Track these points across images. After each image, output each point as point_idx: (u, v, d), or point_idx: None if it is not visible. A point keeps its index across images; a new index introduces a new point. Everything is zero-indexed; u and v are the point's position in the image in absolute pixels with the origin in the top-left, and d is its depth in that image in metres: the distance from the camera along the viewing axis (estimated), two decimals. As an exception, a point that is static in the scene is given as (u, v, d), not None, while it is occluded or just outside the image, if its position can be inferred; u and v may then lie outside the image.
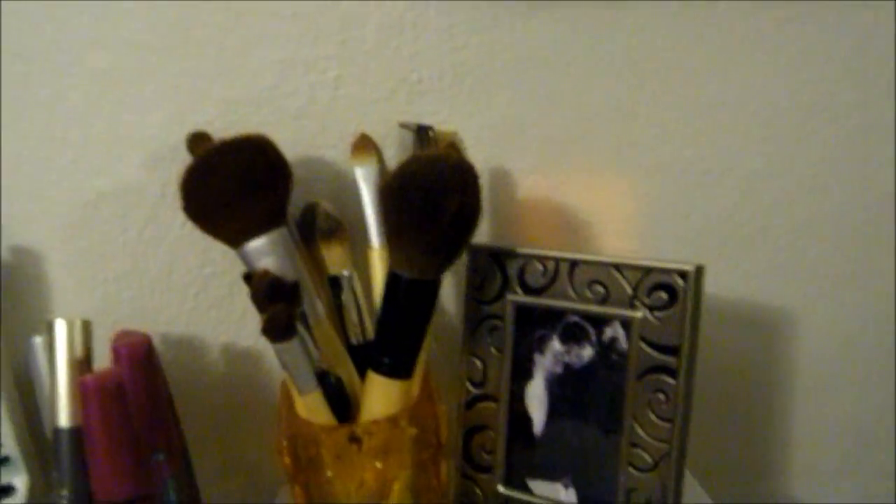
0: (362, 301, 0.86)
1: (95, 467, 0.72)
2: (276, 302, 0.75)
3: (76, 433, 0.77)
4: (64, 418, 0.78)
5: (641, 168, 0.95)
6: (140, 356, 0.77)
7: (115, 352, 0.77)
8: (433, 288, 0.77)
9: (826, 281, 1.02)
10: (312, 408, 0.79)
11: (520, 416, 0.82)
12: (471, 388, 0.84)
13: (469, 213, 0.75)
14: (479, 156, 0.89)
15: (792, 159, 0.97)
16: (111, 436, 0.70)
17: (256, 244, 0.79)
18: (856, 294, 1.03)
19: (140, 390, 0.76)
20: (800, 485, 1.11)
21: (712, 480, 0.92)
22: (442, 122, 0.86)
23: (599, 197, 0.95)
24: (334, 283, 0.86)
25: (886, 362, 1.07)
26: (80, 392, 0.72)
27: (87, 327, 0.79)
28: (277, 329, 0.74)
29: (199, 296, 0.92)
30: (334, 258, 0.86)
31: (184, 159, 0.77)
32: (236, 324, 0.93)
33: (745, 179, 0.96)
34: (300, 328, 0.76)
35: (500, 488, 0.83)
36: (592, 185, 0.95)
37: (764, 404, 1.07)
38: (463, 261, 0.84)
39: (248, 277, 0.78)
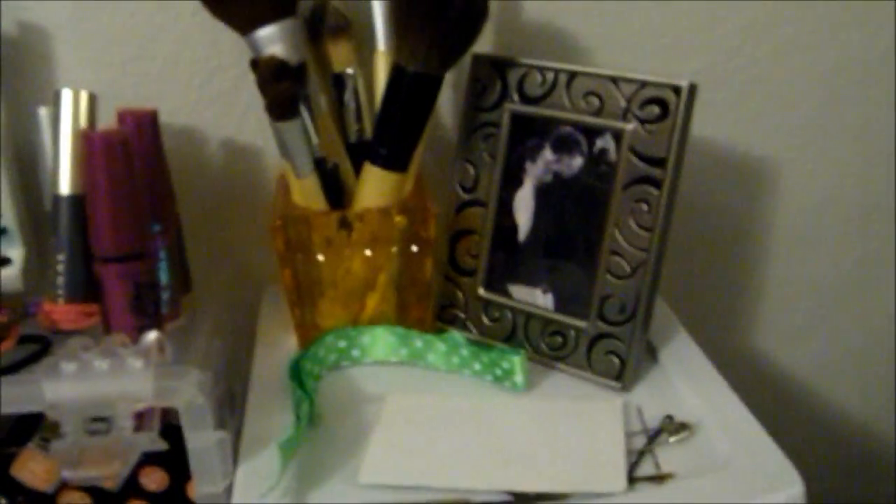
0: (364, 100, 0.88)
1: (96, 224, 0.74)
2: (283, 82, 0.76)
3: (76, 200, 0.79)
4: (65, 186, 0.80)
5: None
6: (146, 123, 0.79)
7: (121, 117, 0.79)
8: (435, 84, 0.79)
9: (813, 135, 1.05)
10: (308, 192, 0.82)
11: (506, 223, 0.85)
12: (461, 192, 0.87)
13: (476, 10, 0.77)
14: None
15: (794, 12, 0.98)
16: (114, 192, 0.73)
17: (266, 31, 0.80)
18: (840, 151, 1.06)
19: (143, 155, 0.78)
20: (764, 337, 1.15)
21: (682, 321, 0.96)
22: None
23: (599, 19, 0.97)
24: (338, 82, 0.88)
25: (862, 223, 1.10)
26: (86, 148, 0.73)
27: (92, 99, 0.81)
28: (281, 106, 0.76)
29: (204, 87, 0.93)
30: (340, 56, 0.88)
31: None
32: (238, 119, 0.94)
33: (748, 24, 0.98)
34: (303, 110, 0.78)
35: (481, 291, 0.87)
36: (594, 6, 0.96)
37: (740, 253, 1.11)
38: (463, 71, 0.85)
39: (256, 63, 0.80)
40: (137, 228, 0.76)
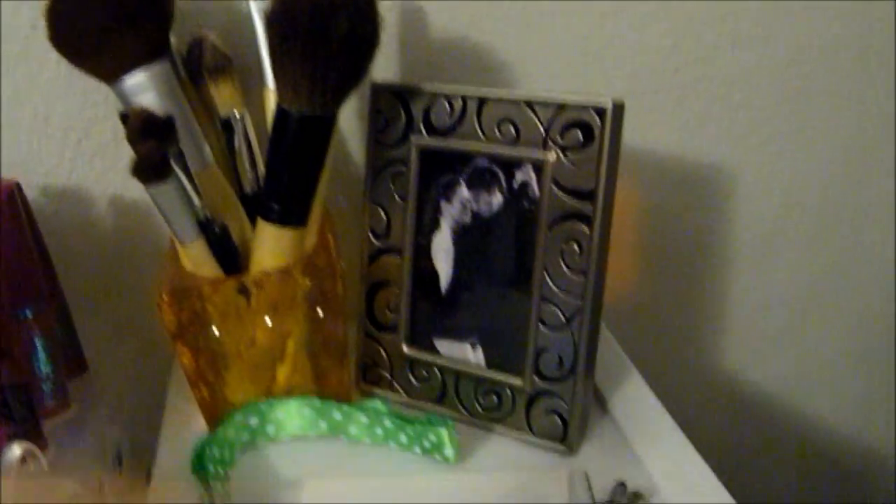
0: (256, 146, 0.78)
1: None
2: (149, 140, 0.67)
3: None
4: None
5: (569, 2, 0.86)
6: (3, 199, 0.69)
7: (-29, 195, 0.69)
8: (326, 126, 0.69)
9: (766, 137, 0.95)
10: (197, 259, 0.72)
11: (426, 271, 0.76)
12: (373, 240, 0.77)
13: (362, 36, 0.67)
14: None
15: (733, 5, 0.89)
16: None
17: (134, 79, 0.71)
18: (797, 151, 0.96)
19: (4, 237, 0.69)
20: (732, 356, 1.06)
21: (639, 346, 0.86)
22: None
23: (518, 33, 0.87)
24: (226, 128, 0.78)
25: (826, 228, 1.01)
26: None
27: (-53, 173, 0.71)
28: (148, 169, 0.66)
29: (82, 143, 0.84)
30: (225, 99, 0.78)
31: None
32: (123, 173, 0.84)
33: (682, 21, 0.88)
34: (177, 169, 0.68)
35: (405, 348, 0.77)
36: (511, 20, 0.86)
37: (698, 270, 1.01)
38: (367, 102, 0.76)
39: (125, 117, 0.70)
40: (-4, 324, 0.66)
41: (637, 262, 0.97)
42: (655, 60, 0.90)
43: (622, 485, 0.67)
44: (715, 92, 0.92)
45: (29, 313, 0.72)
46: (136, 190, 0.83)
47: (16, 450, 0.62)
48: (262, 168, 0.78)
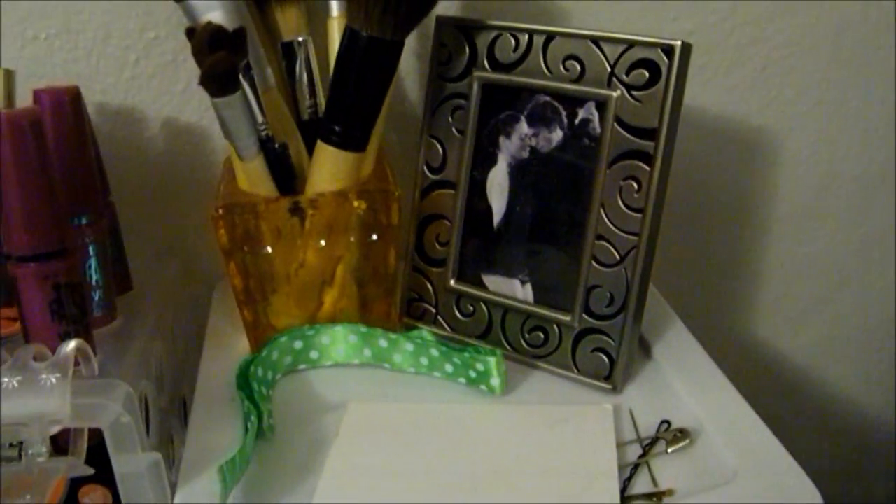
0: (317, 73, 0.79)
1: (5, 218, 0.65)
2: (218, 51, 0.67)
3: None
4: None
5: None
6: (64, 101, 0.70)
7: (36, 96, 0.69)
8: (393, 51, 0.70)
9: (815, 103, 0.96)
10: (254, 177, 0.73)
11: (479, 206, 0.76)
12: (428, 173, 0.78)
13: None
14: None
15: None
16: (24, 181, 0.63)
17: (203, -5, 0.71)
18: (844, 120, 0.97)
19: (62, 138, 0.69)
20: (764, 322, 1.06)
21: (673, 305, 0.87)
22: None
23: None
24: (288, 52, 0.78)
25: (867, 198, 1.01)
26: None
27: (9, 77, 0.71)
28: (218, 79, 0.67)
29: (140, 63, 0.84)
30: (289, 22, 0.78)
31: None
32: (180, 96, 0.85)
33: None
34: (244, 83, 0.69)
35: (452, 282, 0.78)
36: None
37: (737, 232, 1.02)
38: (428, 38, 0.76)
39: (192, 32, 0.71)
40: (56, 222, 0.66)
41: (673, 220, 0.97)
42: (714, 18, 0.90)
43: (666, 423, 0.67)
44: (769, 54, 0.92)
45: (84, 220, 0.72)
46: (190, 113, 0.84)
47: (71, 345, 0.62)
48: (321, 96, 0.79)
